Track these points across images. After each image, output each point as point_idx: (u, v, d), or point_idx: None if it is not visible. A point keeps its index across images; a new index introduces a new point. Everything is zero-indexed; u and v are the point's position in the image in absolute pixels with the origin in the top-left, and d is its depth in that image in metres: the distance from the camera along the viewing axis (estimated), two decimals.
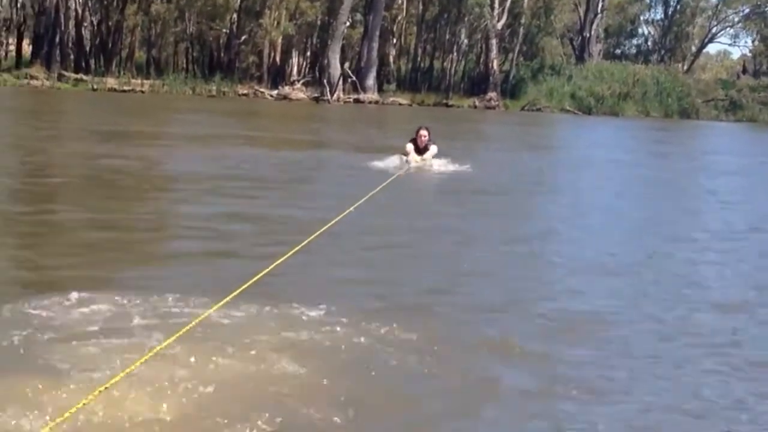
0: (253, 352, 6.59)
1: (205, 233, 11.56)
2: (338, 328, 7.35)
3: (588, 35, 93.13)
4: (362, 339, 7.18)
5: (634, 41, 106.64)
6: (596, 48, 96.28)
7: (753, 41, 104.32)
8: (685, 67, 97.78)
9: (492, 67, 79.69)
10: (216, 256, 10.32)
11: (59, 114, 39.05)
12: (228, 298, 6.94)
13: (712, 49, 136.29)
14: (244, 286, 7.19)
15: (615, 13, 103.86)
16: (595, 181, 23.52)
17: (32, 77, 58.82)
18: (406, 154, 20.75)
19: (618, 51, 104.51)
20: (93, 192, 15.47)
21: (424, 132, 21.15)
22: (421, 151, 20.82)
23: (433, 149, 20.92)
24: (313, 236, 9.55)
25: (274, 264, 8.22)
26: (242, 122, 38.41)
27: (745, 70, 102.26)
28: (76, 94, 56.07)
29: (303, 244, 9.20)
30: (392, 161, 20.54)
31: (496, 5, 78.97)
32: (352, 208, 11.82)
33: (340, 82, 69.89)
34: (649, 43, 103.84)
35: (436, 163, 20.95)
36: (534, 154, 30.02)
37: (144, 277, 8.88)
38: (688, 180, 25.92)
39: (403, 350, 6.97)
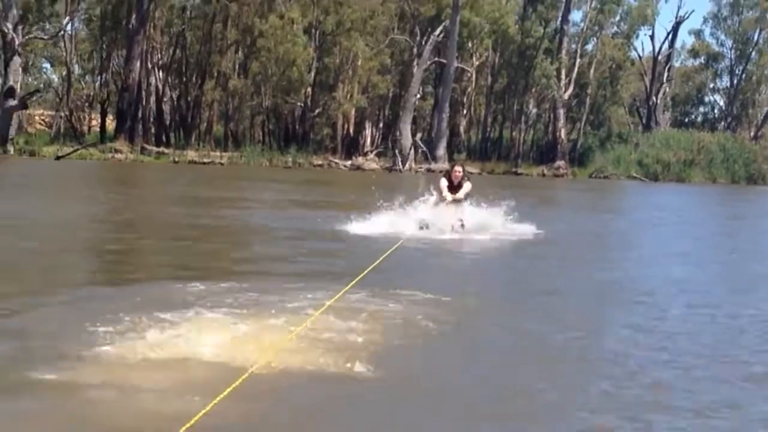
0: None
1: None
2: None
3: (654, 104, 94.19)
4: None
5: (702, 109, 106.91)
6: (664, 116, 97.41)
7: None
8: (752, 134, 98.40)
9: (560, 136, 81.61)
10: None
11: (144, 183, 41.39)
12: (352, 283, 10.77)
13: None
14: (358, 277, 11.18)
15: (682, 82, 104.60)
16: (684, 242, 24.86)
17: (116, 151, 60.78)
18: (440, 191, 20.64)
19: (686, 119, 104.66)
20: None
21: (459, 168, 21.14)
22: (455, 187, 20.59)
23: (467, 186, 20.72)
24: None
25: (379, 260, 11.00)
26: (317, 190, 40.23)
27: None
28: (158, 166, 58.25)
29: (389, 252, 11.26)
30: (426, 202, 20.53)
31: (563, 76, 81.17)
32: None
33: (412, 152, 71.39)
34: (716, 111, 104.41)
35: (469, 211, 20.48)
36: (617, 216, 31.77)
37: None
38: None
39: None
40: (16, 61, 59.50)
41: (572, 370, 8.59)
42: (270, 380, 7.44)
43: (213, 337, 8.61)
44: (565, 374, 8.45)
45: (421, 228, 19.25)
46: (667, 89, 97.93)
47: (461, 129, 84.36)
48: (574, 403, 7.42)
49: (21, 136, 62.38)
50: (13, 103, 58.58)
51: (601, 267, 17.01)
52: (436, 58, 75.97)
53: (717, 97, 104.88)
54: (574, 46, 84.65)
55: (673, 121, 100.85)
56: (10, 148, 57.55)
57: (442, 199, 20.26)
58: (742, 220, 36.98)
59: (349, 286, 10.70)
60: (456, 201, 20.26)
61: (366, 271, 11.81)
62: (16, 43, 59.33)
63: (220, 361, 7.88)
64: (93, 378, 7.27)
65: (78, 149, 59.67)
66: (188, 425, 5.67)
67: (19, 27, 61.33)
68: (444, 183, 20.58)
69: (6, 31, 58.24)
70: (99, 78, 75.17)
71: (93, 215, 22.74)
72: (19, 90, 60.21)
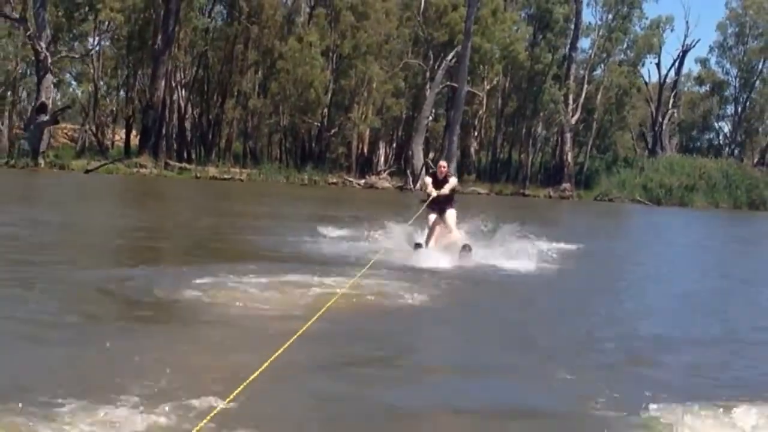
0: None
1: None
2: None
3: (660, 130, 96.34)
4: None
5: (707, 135, 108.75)
6: (671, 142, 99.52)
7: None
8: (755, 161, 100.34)
9: (566, 159, 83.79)
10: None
11: (179, 196, 44.25)
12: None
13: None
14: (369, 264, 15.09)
15: (688, 109, 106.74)
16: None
17: (141, 166, 63.28)
18: (424, 186, 21.01)
19: (692, 145, 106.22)
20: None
21: (443, 163, 21.36)
22: (440, 182, 20.52)
23: (452, 181, 20.73)
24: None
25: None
26: (332, 205, 42.79)
27: None
28: (181, 181, 60.68)
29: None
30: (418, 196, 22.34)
31: (570, 101, 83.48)
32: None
33: (423, 172, 73.15)
34: (721, 138, 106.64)
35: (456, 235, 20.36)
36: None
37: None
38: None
39: None
40: (48, 78, 61.96)
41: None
42: (347, 308, 12.07)
43: (294, 286, 13.76)
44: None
45: (418, 246, 19.54)
46: (674, 115, 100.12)
47: (472, 150, 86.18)
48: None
49: (49, 149, 64.84)
50: (44, 118, 61.12)
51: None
52: (448, 82, 77.58)
53: (722, 123, 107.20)
54: (582, 72, 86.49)
55: (679, 146, 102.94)
56: (41, 162, 60.11)
57: (427, 195, 20.37)
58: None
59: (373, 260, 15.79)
60: (441, 195, 20.20)
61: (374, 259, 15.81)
62: (49, 61, 61.95)
63: (306, 301, 12.54)
64: (227, 303, 12.16)
65: (106, 164, 62.30)
66: (298, 334, 8.79)
67: (51, 46, 64.08)
68: (429, 180, 20.78)
69: (39, 50, 60.81)
70: (125, 95, 77.62)
71: (153, 221, 27.19)
72: (50, 106, 62.79)
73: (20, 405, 7.13)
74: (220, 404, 7.05)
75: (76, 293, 12.82)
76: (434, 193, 20.07)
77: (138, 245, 20.34)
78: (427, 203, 20.21)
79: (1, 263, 15.41)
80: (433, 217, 20.35)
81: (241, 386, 6.99)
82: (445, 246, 19.95)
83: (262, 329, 10.67)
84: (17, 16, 63.42)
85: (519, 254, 19.59)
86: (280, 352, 7.80)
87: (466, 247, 19.34)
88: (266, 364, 7.39)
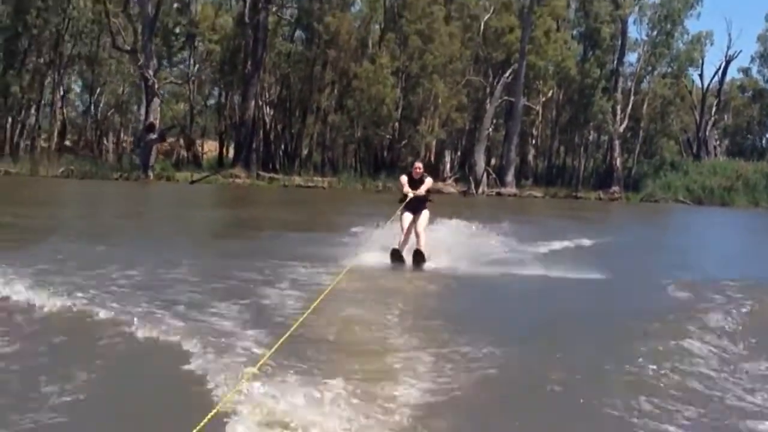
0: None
1: None
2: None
3: (703, 135, 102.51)
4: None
5: (751, 140, 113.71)
6: (720, 146, 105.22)
7: None
8: None
9: (615, 164, 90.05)
10: None
11: (267, 202, 52.22)
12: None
13: None
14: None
15: (734, 115, 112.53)
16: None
17: (235, 176, 71.40)
18: (400, 185, 20.56)
19: (737, 149, 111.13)
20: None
21: (418, 164, 20.92)
22: (416, 183, 20.25)
23: (428, 181, 20.48)
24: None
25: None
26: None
27: None
28: (272, 189, 68.18)
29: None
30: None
31: (618, 111, 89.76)
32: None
33: (484, 178, 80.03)
34: (764, 142, 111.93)
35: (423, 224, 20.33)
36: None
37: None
38: None
39: None
40: (156, 101, 70.41)
41: None
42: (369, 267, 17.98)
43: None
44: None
45: (395, 254, 19.80)
46: (722, 121, 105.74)
47: (529, 157, 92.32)
48: None
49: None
50: (153, 136, 69.68)
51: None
52: (506, 97, 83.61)
53: (765, 129, 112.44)
54: (629, 84, 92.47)
55: (727, 150, 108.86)
56: (150, 174, 68.61)
57: (404, 195, 20.16)
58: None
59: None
60: (418, 195, 20.03)
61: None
62: (156, 86, 70.46)
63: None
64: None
65: (208, 176, 70.73)
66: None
67: (159, 72, 72.56)
68: (405, 179, 20.49)
69: (148, 77, 69.23)
70: (217, 113, 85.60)
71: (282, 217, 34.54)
72: (157, 125, 71.25)
73: None
74: None
75: None
76: (411, 193, 20.06)
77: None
78: (404, 204, 20.06)
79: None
80: (407, 217, 20.26)
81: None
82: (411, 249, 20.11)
83: None
84: (128, 48, 71.64)
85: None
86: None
87: (419, 254, 19.66)
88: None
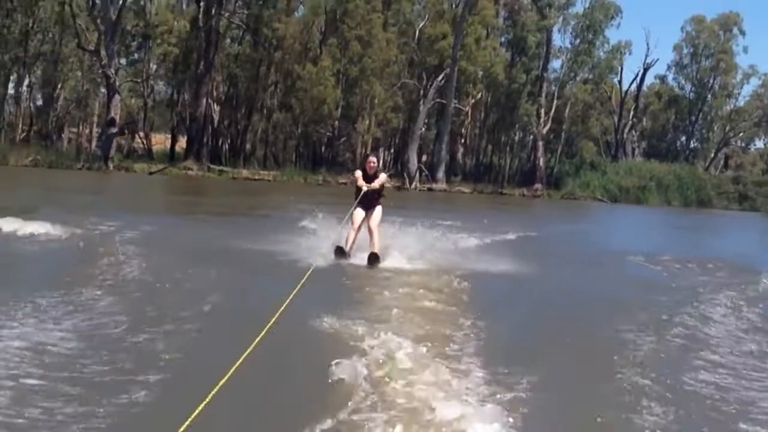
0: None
1: None
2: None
3: (621, 138, 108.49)
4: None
5: (666, 143, 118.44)
6: (638, 148, 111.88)
7: (766, 144, 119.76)
8: (706, 165, 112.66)
9: (538, 163, 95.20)
10: None
11: (243, 192, 57.04)
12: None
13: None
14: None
15: (650, 120, 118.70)
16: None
17: (188, 168, 76.05)
18: (355, 180, 19.89)
19: (653, 151, 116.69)
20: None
21: (373, 159, 20.31)
22: (370, 177, 19.81)
23: (382, 177, 19.97)
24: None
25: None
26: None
27: None
28: (222, 181, 72.67)
29: None
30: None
31: (542, 114, 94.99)
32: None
33: (417, 174, 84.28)
34: (678, 145, 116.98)
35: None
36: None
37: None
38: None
39: None
40: (117, 98, 75.06)
41: None
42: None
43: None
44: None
45: (339, 251, 19.14)
46: (639, 125, 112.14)
47: (459, 155, 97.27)
48: None
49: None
50: (114, 130, 74.51)
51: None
52: (438, 99, 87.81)
53: (679, 133, 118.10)
54: (552, 89, 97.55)
55: (644, 152, 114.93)
56: (110, 165, 73.18)
57: (358, 189, 19.72)
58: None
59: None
60: (371, 189, 19.66)
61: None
62: (117, 84, 75.47)
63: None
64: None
65: (165, 168, 75.60)
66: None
67: (122, 71, 77.25)
68: (359, 173, 19.91)
69: (110, 75, 74.02)
70: (169, 109, 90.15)
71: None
72: (118, 120, 75.92)
73: None
74: None
75: None
76: (365, 187, 19.61)
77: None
78: (358, 199, 19.64)
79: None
80: (359, 214, 19.72)
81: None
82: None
83: None
84: (92, 48, 76.19)
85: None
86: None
87: (374, 256, 18.93)
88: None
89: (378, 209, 19.79)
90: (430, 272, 18.17)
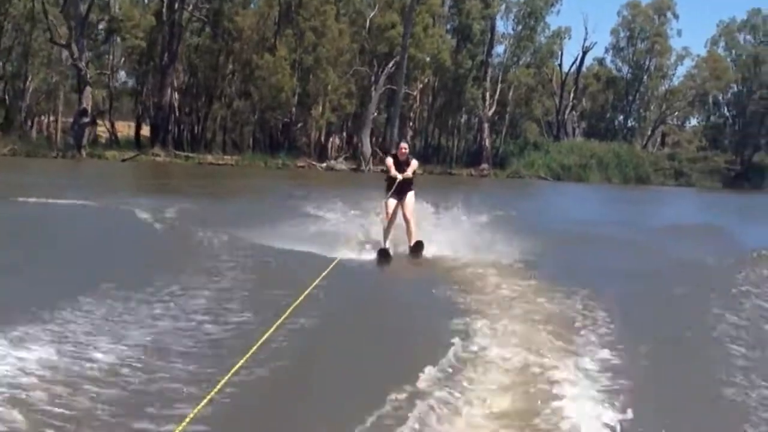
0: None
1: None
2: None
3: (562, 119, 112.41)
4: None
5: (605, 123, 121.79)
6: (579, 128, 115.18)
7: (699, 122, 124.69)
8: (643, 143, 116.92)
9: (485, 144, 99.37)
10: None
11: (215, 176, 60.74)
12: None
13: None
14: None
15: (589, 100, 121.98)
16: None
17: (155, 155, 79.73)
18: (388, 169, 18.94)
19: (593, 131, 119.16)
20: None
21: (404, 145, 19.55)
22: (401, 164, 18.99)
23: (414, 163, 19.15)
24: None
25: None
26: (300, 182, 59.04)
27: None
28: (189, 166, 76.33)
29: None
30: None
31: (487, 97, 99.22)
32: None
33: (370, 157, 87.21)
34: (616, 124, 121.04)
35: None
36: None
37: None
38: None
39: None
40: (88, 89, 78.74)
41: None
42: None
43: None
44: None
45: (382, 254, 18.50)
46: (578, 106, 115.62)
47: (408, 138, 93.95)
48: None
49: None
50: (86, 120, 78.17)
51: None
52: (389, 85, 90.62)
53: (617, 113, 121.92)
54: (497, 73, 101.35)
55: (585, 131, 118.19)
56: (83, 153, 76.71)
57: (391, 177, 18.77)
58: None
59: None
60: (406, 178, 18.75)
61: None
62: (88, 76, 78.99)
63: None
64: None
65: (136, 155, 79.23)
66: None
67: (90, 64, 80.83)
68: (390, 161, 19.14)
69: (81, 68, 77.68)
70: (134, 99, 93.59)
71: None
72: (89, 110, 79.38)
73: None
74: None
75: None
76: (399, 176, 18.65)
77: None
78: (393, 189, 18.74)
79: None
80: (392, 202, 18.84)
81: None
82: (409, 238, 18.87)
83: None
84: (64, 42, 79.66)
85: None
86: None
87: (418, 245, 18.59)
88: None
89: (411, 196, 19.03)
90: (483, 261, 18.05)
